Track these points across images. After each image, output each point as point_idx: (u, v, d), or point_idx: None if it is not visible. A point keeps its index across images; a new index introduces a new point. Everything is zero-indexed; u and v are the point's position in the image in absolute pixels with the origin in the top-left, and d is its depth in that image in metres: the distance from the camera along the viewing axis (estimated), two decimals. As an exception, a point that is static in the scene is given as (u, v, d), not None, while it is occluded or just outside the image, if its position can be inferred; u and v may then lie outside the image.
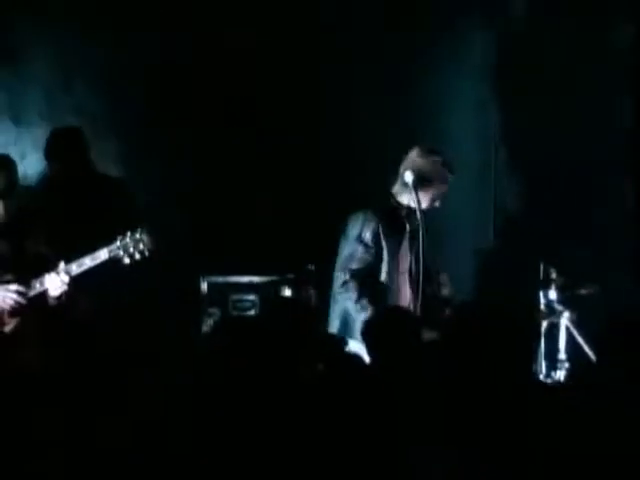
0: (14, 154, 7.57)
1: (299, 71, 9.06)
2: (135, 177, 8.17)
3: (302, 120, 9.06)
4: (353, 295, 7.19)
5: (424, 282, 7.21)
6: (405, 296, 7.29)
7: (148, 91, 9.00)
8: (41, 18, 8.77)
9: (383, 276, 7.29)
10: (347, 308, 7.22)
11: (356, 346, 6.38)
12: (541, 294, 7.68)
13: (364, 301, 7.12)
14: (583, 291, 7.83)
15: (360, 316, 6.97)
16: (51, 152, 7.56)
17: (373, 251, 7.20)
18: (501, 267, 8.64)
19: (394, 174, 7.27)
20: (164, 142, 8.88)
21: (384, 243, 7.22)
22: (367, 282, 7.23)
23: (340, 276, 7.24)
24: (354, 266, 7.19)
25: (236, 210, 8.74)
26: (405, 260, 7.32)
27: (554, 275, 7.66)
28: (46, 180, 7.73)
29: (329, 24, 9.00)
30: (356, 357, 5.61)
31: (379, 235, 7.22)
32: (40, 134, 7.95)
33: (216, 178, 8.86)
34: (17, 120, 8.63)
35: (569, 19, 8.79)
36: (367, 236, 7.21)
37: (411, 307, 7.18)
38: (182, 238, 8.19)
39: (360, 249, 7.21)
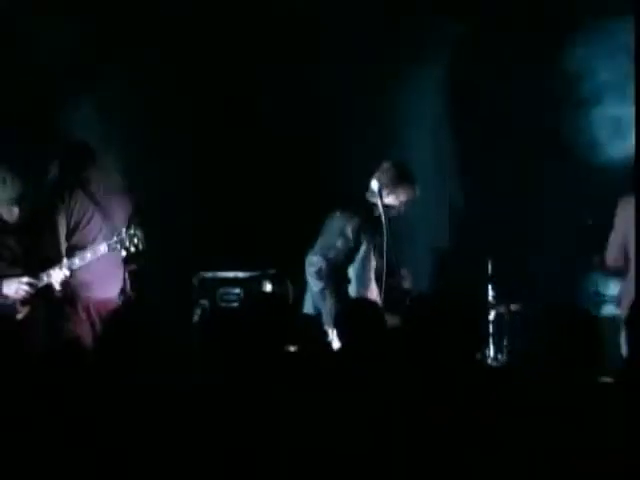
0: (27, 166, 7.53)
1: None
2: (135, 182, 7.86)
3: (288, 130, 8.91)
4: (320, 284, 7.15)
5: (388, 276, 7.17)
6: (372, 288, 7.25)
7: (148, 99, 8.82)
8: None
9: (356, 269, 7.27)
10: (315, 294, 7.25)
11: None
12: (489, 289, 7.68)
13: (326, 292, 7.11)
14: (525, 287, 7.88)
15: (320, 303, 7.09)
16: (64, 161, 7.42)
17: (352, 245, 7.19)
18: (455, 263, 8.58)
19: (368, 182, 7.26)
20: (162, 151, 8.76)
21: (362, 240, 7.20)
22: (334, 275, 7.20)
23: (317, 261, 7.18)
24: (331, 255, 7.17)
25: (225, 214, 8.69)
26: (374, 257, 7.29)
27: (499, 272, 7.71)
28: (53, 187, 7.42)
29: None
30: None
31: (359, 232, 7.19)
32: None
33: (210, 187, 8.79)
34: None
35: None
36: (349, 231, 7.18)
37: (377, 297, 7.13)
38: (178, 238, 8.13)
39: (340, 241, 7.17)
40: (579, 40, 8.61)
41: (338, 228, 7.23)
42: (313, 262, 7.20)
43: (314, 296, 7.23)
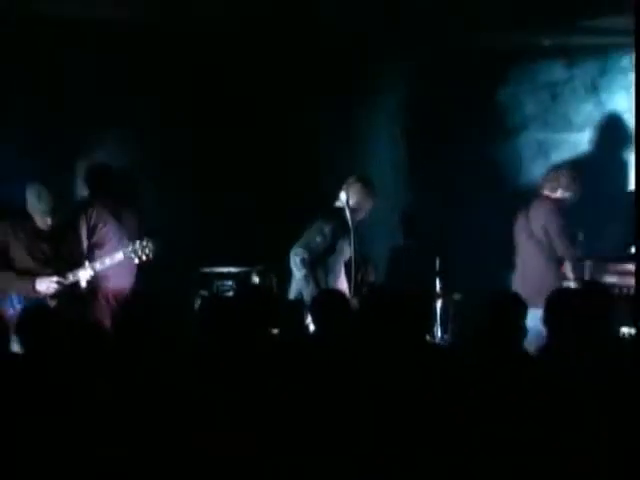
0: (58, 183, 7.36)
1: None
2: (144, 196, 7.95)
3: (272, 147, 8.81)
4: (303, 270, 7.09)
5: (356, 270, 7.09)
6: (342, 279, 7.20)
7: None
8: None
9: (330, 263, 7.20)
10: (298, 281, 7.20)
11: None
12: (437, 281, 7.66)
13: (309, 278, 7.06)
14: (464, 279, 7.79)
15: (304, 288, 7.02)
16: (88, 179, 7.59)
17: (328, 243, 7.11)
18: (409, 260, 8.46)
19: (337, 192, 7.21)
20: (165, 169, 8.57)
21: (336, 239, 7.12)
22: (314, 264, 7.13)
23: (300, 252, 7.09)
24: (313, 247, 7.10)
25: (221, 221, 8.51)
26: (346, 254, 7.19)
27: (445, 267, 7.67)
28: (77, 202, 7.63)
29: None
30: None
31: (334, 233, 7.12)
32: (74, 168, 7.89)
33: (209, 197, 8.65)
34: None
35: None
36: (326, 231, 7.12)
37: (346, 287, 7.08)
38: (181, 240, 7.95)
39: (319, 239, 7.11)
40: (509, 79, 8.70)
41: (318, 228, 7.13)
42: (298, 252, 7.11)
43: (298, 282, 7.16)
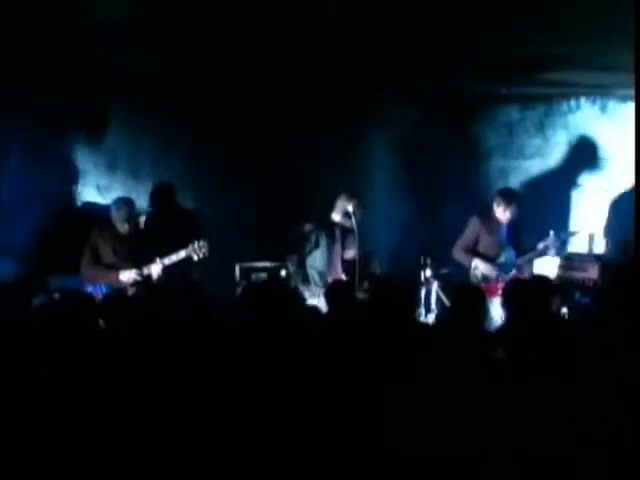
0: (134, 197, 7.45)
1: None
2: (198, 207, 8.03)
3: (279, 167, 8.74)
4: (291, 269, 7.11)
5: (364, 265, 7.00)
6: (339, 272, 7.00)
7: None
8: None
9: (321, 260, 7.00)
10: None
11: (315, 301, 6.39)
12: (421, 272, 7.59)
13: (299, 273, 7.03)
14: (444, 270, 7.80)
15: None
16: (153, 197, 7.65)
17: (309, 245, 6.98)
18: (401, 257, 8.52)
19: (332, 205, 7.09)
20: (216, 186, 8.54)
21: (320, 242, 6.96)
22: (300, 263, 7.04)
23: (292, 257, 7.11)
24: (299, 252, 7.04)
25: (257, 226, 8.46)
26: (349, 253, 7.04)
27: (429, 262, 7.56)
28: (150, 213, 7.67)
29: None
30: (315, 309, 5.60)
31: (318, 237, 6.97)
32: (148, 185, 7.85)
33: (247, 208, 8.58)
34: (135, 176, 8.29)
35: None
36: (313, 238, 6.98)
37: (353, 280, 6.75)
38: (226, 241, 7.83)
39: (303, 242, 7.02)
40: (477, 119, 8.75)
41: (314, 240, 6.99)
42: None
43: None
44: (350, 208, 6.99)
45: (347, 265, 7.14)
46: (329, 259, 7.04)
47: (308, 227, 7.09)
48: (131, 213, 6.92)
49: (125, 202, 6.99)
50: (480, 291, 5.03)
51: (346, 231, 7.09)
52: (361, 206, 7.05)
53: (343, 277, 7.01)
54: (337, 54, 5.69)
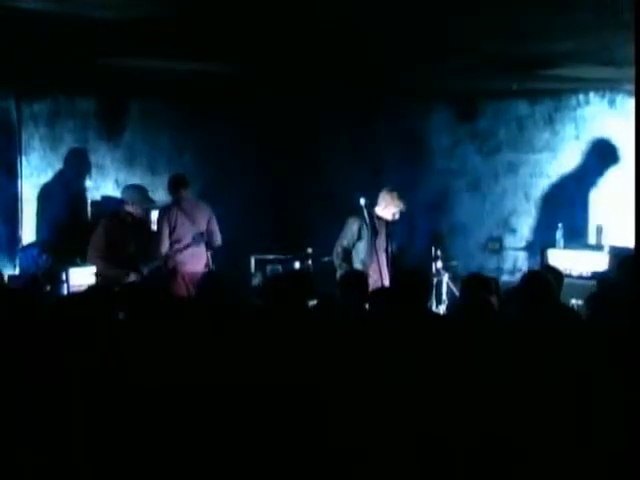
0: (152, 191, 7.59)
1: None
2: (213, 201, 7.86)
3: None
4: (337, 260, 7.12)
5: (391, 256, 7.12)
6: (383, 263, 7.01)
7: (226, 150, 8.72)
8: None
9: (364, 252, 7.07)
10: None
11: None
12: (433, 264, 7.59)
13: (342, 264, 7.07)
14: (454, 263, 7.95)
15: (338, 273, 7.00)
16: (170, 188, 7.58)
17: (355, 237, 7.05)
18: (415, 252, 8.52)
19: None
20: (230, 180, 8.64)
21: (363, 234, 7.04)
22: (346, 255, 7.11)
23: (337, 247, 7.12)
24: (344, 243, 7.10)
25: (272, 220, 8.63)
26: (381, 244, 7.11)
27: (439, 254, 7.60)
28: (162, 205, 7.60)
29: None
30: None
31: (360, 229, 7.03)
32: (165, 179, 7.76)
33: (262, 203, 8.70)
34: (153, 171, 8.40)
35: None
36: (354, 228, 7.07)
37: (384, 269, 6.97)
38: (241, 234, 8.00)
39: (349, 234, 7.09)
40: (488, 114, 8.72)
41: (347, 227, 7.10)
42: (335, 248, 7.14)
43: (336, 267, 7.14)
44: (393, 205, 7.17)
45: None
46: (370, 251, 7.10)
47: (352, 220, 7.15)
48: (144, 196, 7.21)
49: (136, 186, 7.27)
50: (490, 281, 5.06)
51: (389, 225, 7.24)
52: (402, 203, 7.20)
53: (386, 270, 7.06)
54: (343, 46, 5.72)
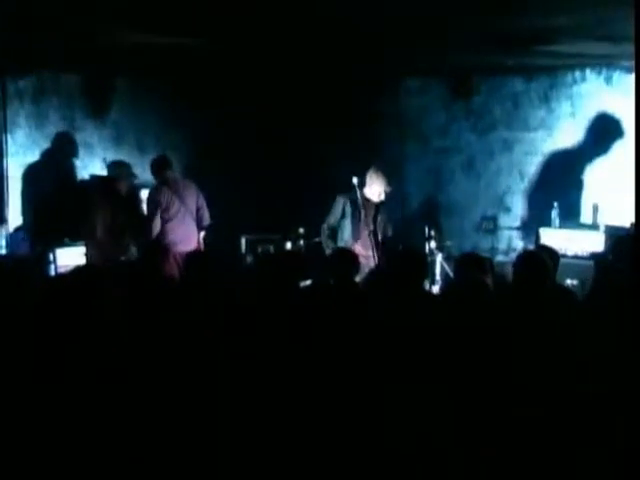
0: (138, 169, 7.60)
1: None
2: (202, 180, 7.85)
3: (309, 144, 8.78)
4: (323, 238, 7.10)
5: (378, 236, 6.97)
6: (367, 244, 6.88)
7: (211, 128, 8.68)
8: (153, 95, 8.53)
9: (347, 231, 7.04)
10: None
11: None
12: (426, 244, 7.56)
13: (328, 242, 7.06)
14: (448, 243, 7.90)
15: (326, 250, 6.98)
16: (153, 172, 7.54)
17: (339, 215, 7.02)
18: (408, 231, 8.35)
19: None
20: (219, 158, 8.58)
21: (347, 212, 6.99)
22: (332, 233, 7.09)
23: (323, 225, 7.08)
24: (330, 221, 7.07)
25: (263, 200, 8.57)
26: (367, 225, 6.97)
27: (433, 234, 7.56)
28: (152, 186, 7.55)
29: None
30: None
31: (344, 207, 7.00)
32: (151, 158, 7.62)
33: (253, 182, 8.65)
34: (140, 150, 8.39)
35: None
36: (339, 206, 7.02)
37: (371, 248, 6.81)
38: (232, 213, 7.96)
39: (334, 212, 7.04)
40: (483, 91, 8.69)
41: (333, 207, 7.07)
42: (322, 226, 7.12)
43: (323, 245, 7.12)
44: (380, 185, 7.06)
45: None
46: (354, 231, 7.07)
47: (339, 198, 7.12)
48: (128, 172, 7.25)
49: (120, 162, 7.36)
50: (484, 261, 5.05)
51: (378, 206, 7.14)
52: (387, 183, 7.08)
53: (370, 252, 6.96)
54: (338, 27, 5.68)
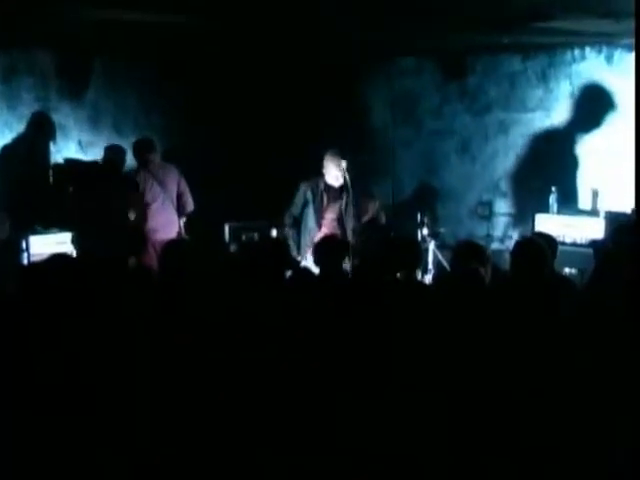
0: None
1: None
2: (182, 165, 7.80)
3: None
4: (286, 228, 7.07)
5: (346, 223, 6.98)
6: (333, 230, 6.91)
7: (191, 110, 8.69)
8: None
9: (311, 219, 6.98)
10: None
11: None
12: (418, 231, 7.58)
13: (289, 232, 7.00)
14: (441, 230, 7.86)
15: (288, 241, 6.82)
16: (135, 154, 7.49)
17: (301, 203, 6.98)
18: (401, 217, 8.53)
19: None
20: (201, 143, 8.58)
21: (309, 199, 6.94)
22: (293, 221, 7.03)
23: (285, 215, 7.04)
24: (292, 211, 7.01)
25: (246, 186, 8.51)
26: (332, 212, 7.01)
27: (426, 220, 7.59)
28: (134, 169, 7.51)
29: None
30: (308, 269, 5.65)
31: (305, 194, 6.96)
32: (132, 140, 7.65)
33: (236, 167, 8.64)
34: (119, 133, 8.32)
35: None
36: (300, 194, 6.98)
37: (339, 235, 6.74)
38: (215, 199, 7.94)
39: (296, 200, 7.00)
40: (478, 70, 8.66)
41: (295, 194, 7.04)
42: (285, 216, 7.06)
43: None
44: (334, 168, 6.95)
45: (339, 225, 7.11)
46: (318, 219, 7.02)
47: (301, 185, 7.07)
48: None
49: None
50: (482, 250, 5.03)
51: (338, 191, 7.03)
52: (339, 164, 6.93)
53: (334, 231, 6.95)
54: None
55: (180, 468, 3.56)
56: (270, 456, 3.57)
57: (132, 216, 6.93)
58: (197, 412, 3.69)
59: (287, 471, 3.55)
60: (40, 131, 7.71)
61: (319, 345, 4.04)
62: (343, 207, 7.04)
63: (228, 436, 3.64)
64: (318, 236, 6.77)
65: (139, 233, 6.97)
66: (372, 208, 7.90)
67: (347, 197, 7.01)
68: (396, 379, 3.77)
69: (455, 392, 3.64)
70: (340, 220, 7.01)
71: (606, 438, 3.47)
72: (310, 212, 7.03)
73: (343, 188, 7.01)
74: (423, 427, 3.59)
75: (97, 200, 6.71)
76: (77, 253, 6.58)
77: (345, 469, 3.51)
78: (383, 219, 8.02)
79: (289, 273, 5.26)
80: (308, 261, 6.32)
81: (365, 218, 7.90)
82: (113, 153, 7.32)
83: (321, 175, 7.00)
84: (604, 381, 3.62)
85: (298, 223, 7.08)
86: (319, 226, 7.03)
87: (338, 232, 6.91)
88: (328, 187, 7.03)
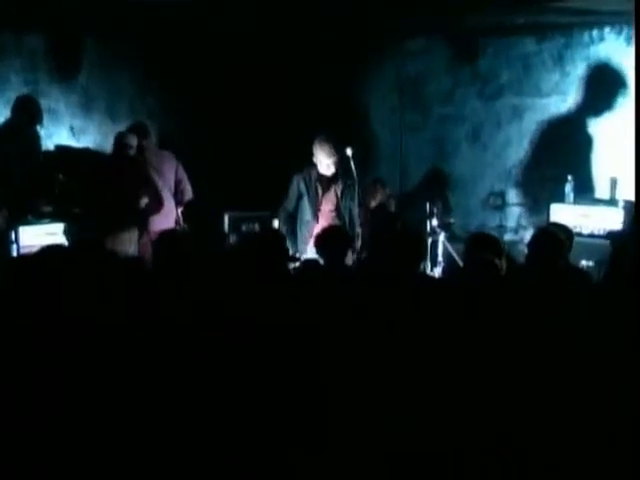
0: (109, 139, 7.48)
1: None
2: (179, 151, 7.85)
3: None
4: (279, 223, 7.02)
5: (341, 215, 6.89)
6: (331, 221, 6.82)
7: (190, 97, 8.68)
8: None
9: (307, 212, 6.93)
10: None
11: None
12: (427, 222, 7.54)
13: (283, 228, 6.91)
14: (451, 220, 7.87)
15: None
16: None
17: (295, 196, 6.91)
18: (409, 207, 8.50)
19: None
20: (201, 132, 8.60)
21: (302, 191, 6.88)
22: (288, 216, 6.98)
23: (279, 210, 7.00)
24: (286, 206, 6.95)
25: (246, 175, 8.48)
26: (328, 203, 6.95)
27: (435, 211, 7.54)
28: None
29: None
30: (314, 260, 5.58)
31: (299, 186, 6.90)
32: (126, 126, 7.66)
33: (238, 155, 8.65)
34: (112, 118, 8.31)
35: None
36: (294, 187, 6.92)
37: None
38: (216, 190, 7.85)
39: (290, 194, 6.94)
40: (489, 52, 8.65)
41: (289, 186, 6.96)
42: (279, 210, 7.02)
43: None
44: (325, 157, 6.86)
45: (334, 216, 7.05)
46: (314, 211, 6.94)
47: (294, 177, 7.00)
48: None
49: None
50: (496, 241, 5.01)
51: (331, 180, 6.97)
52: (332, 153, 6.85)
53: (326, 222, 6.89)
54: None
55: (180, 468, 3.57)
56: (270, 456, 3.57)
57: (143, 203, 7.03)
58: (195, 404, 3.71)
59: (287, 471, 3.55)
60: (25, 115, 7.59)
61: (327, 339, 4.05)
62: (343, 196, 6.94)
63: (228, 436, 3.65)
64: (316, 229, 6.70)
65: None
66: (380, 194, 7.90)
67: (343, 185, 6.92)
68: (411, 374, 3.80)
69: (469, 386, 3.65)
70: (338, 211, 6.94)
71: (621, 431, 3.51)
72: (305, 205, 6.95)
73: (338, 176, 6.92)
74: (438, 424, 3.62)
75: (112, 188, 6.87)
76: (69, 244, 6.52)
77: (353, 468, 3.52)
78: (392, 206, 8.00)
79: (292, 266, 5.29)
80: (308, 256, 6.29)
81: (373, 204, 7.94)
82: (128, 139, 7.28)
83: (313, 165, 6.90)
84: (620, 373, 3.65)
85: (293, 218, 7.01)
86: (316, 218, 6.94)
87: (337, 224, 6.82)
88: (321, 177, 6.93)
